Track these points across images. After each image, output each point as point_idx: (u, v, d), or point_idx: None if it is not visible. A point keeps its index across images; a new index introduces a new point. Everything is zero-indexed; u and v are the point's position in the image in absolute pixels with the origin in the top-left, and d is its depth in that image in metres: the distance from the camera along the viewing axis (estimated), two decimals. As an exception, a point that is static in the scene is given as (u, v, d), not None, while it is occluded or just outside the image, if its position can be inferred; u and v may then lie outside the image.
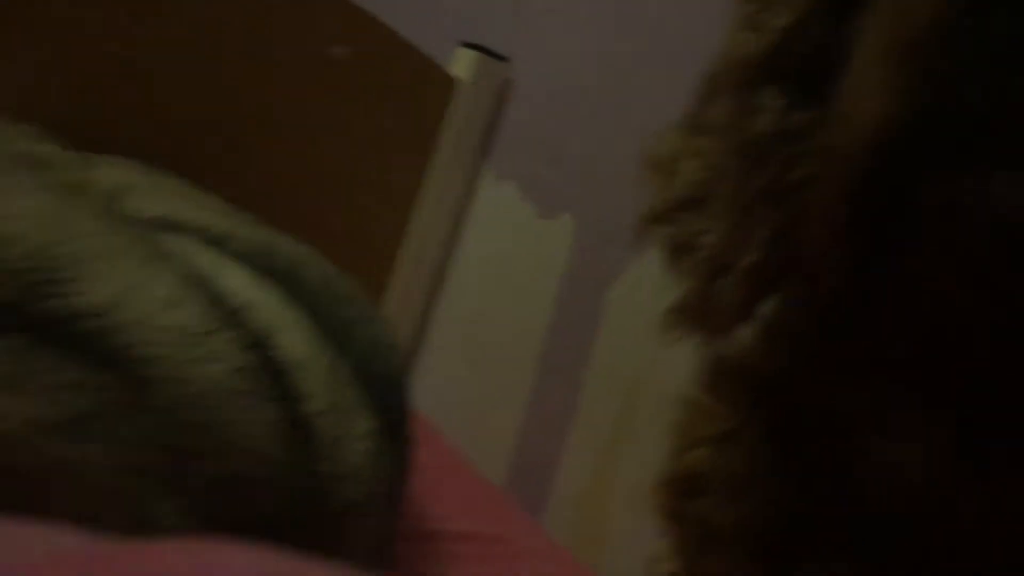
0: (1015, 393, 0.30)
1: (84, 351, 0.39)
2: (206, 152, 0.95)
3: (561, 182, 1.09)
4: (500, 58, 1.14)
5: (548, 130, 1.13)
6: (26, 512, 0.30)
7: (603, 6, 1.12)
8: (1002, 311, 0.28)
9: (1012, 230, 0.26)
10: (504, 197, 1.12)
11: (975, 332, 0.30)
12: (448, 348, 1.13)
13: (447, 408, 1.03)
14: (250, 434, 0.48)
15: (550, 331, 1.05)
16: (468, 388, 1.09)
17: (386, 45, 1.08)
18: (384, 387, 0.68)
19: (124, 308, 0.42)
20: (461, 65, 1.13)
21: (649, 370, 0.91)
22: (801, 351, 0.37)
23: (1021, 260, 0.27)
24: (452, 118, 1.12)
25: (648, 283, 1.00)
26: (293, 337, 0.59)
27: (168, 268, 0.49)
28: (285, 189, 1.02)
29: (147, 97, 0.88)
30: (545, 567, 0.77)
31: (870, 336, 0.34)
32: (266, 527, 0.46)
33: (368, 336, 0.69)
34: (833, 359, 0.36)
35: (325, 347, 0.62)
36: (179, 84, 0.94)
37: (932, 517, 0.33)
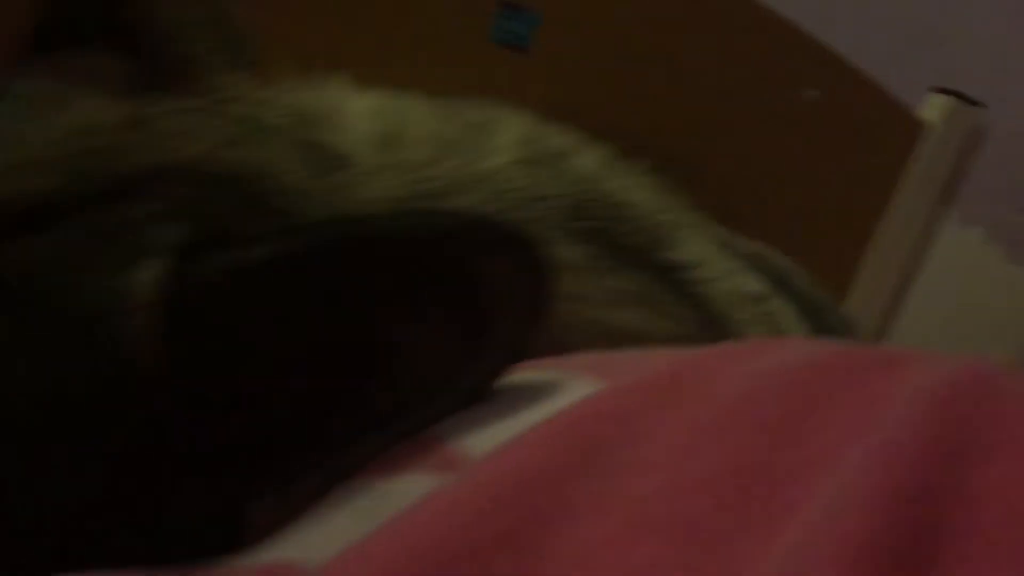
0: None
1: (682, 293, 0.50)
2: (679, 180, 1.07)
3: (1034, 228, 1.06)
4: (975, 104, 1.13)
5: (1021, 177, 1.11)
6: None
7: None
8: None
9: None
10: (969, 242, 1.11)
11: None
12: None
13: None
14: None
15: (1013, 378, 1.02)
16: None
17: (856, 89, 1.13)
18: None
19: (704, 267, 0.52)
20: (933, 110, 1.14)
21: None
22: None
23: None
24: (918, 161, 1.14)
25: None
26: (796, 330, 0.67)
27: (717, 246, 0.59)
28: (748, 219, 1.10)
29: (632, 126, 1.02)
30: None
31: None
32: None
33: (848, 341, 0.75)
34: None
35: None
36: (662, 118, 1.07)
37: None
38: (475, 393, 0.34)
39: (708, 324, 0.51)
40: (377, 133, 0.49)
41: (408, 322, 0.34)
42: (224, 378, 0.35)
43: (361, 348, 0.34)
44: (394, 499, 0.28)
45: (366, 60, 0.79)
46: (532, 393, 0.32)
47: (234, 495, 0.36)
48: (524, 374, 0.34)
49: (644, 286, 0.48)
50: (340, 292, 0.34)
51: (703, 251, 0.54)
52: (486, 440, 0.30)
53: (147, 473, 0.36)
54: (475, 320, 0.33)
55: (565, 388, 0.32)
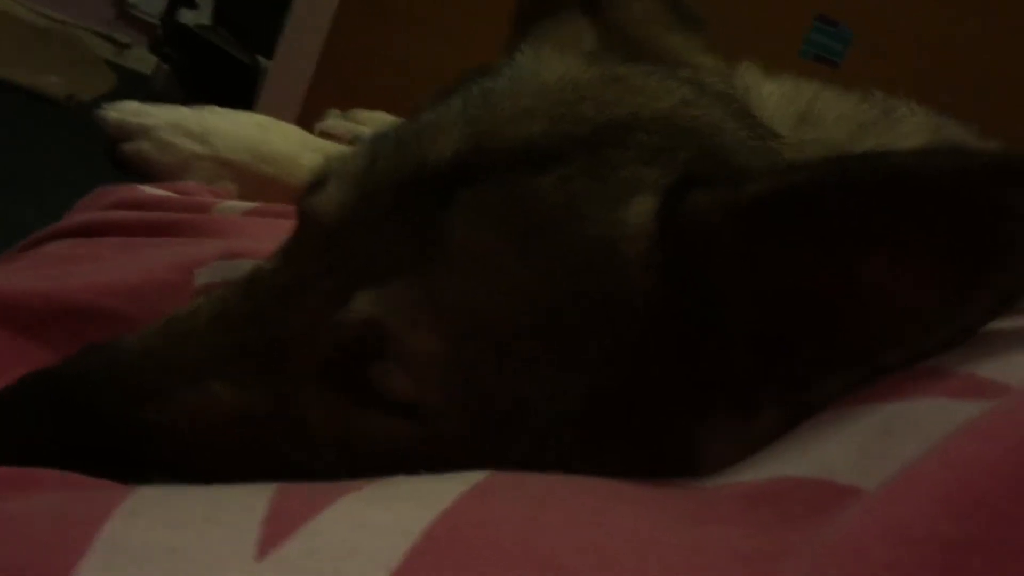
0: None
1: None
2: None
3: None
4: None
5: None
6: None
7: None
8: None
9: None
10: None
11: None
12: None
13: None
14: None
15: None
16: None
17: None
18: None
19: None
20: None
21: None
22: None
23: None
24: None
25: None
26: None
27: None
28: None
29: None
30: None
31: None
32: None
33: None
34: None
35: None
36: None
37: None
38: (968, 332, 0.35)
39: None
40: (791, 114, 0.51)
41: (894, 264, 0.35)
42: (707, 305, 0.39)
43: (839, 288, 0.37)
44: (912, 420, 0.30)
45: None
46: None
47: (694, 422, 0.40)
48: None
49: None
50: (832, 229, 0.36)
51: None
52: (1009, 370, 0.31)
53: (626, 389, 0.40)
54: (976, 259, 0.34)
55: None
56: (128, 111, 0.96)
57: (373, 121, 1.22)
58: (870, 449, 0.30)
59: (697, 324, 0.39)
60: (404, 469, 0.33)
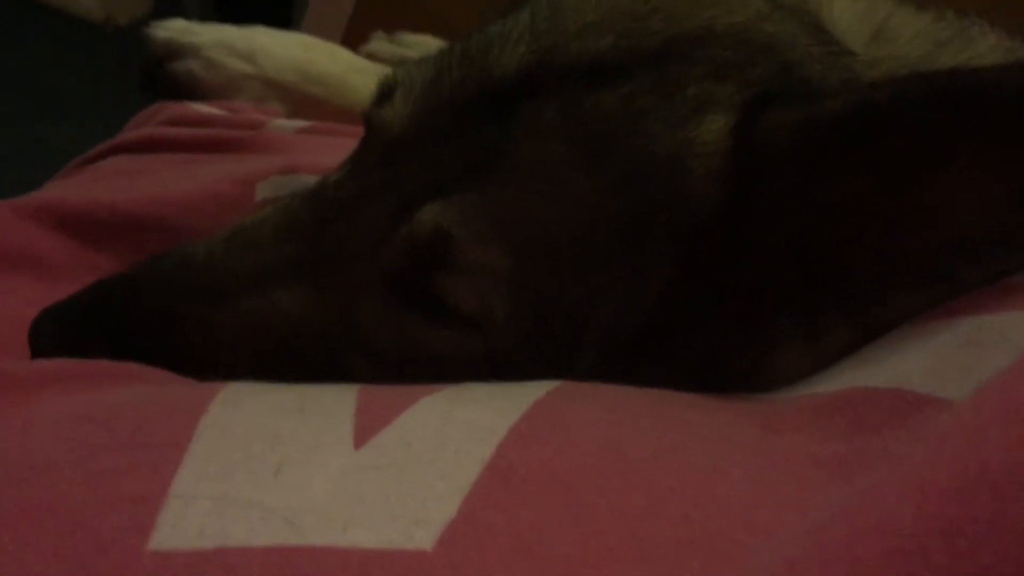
0: None
1: None
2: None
3: None
4: None
5: None
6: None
7: None
8: None
9: None
10: None
11: None
12: None
13: None
14: None
15: None
16: None
17: None
18: None
19: None
20: None
21: None
22: None
23: None
24: None
25: None
26: None
27: None
28: None
29: None
30: None
31: None
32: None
33: None
34: None
35: None
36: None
37: None
38: None
39: None
40: (865, 31, 0.50)
41: (974, 181, 0.35)
42: (778, 224, 0.38)
43: (915, 206, 0.36)
44: (998, 331, 0.30)
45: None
46: None
47: (758, 342, 0.40)
48: None
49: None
50: (913, 147, 0.35)
51: None
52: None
53: (688, 307, 0.40)
54: None
55: None
56: (176, 29, 0.96)
57: (419, 45, 1.20)
58: (952, 360, 0.30)
59: (764, 244, 0.39)
60: (466, 381, 0.33)
